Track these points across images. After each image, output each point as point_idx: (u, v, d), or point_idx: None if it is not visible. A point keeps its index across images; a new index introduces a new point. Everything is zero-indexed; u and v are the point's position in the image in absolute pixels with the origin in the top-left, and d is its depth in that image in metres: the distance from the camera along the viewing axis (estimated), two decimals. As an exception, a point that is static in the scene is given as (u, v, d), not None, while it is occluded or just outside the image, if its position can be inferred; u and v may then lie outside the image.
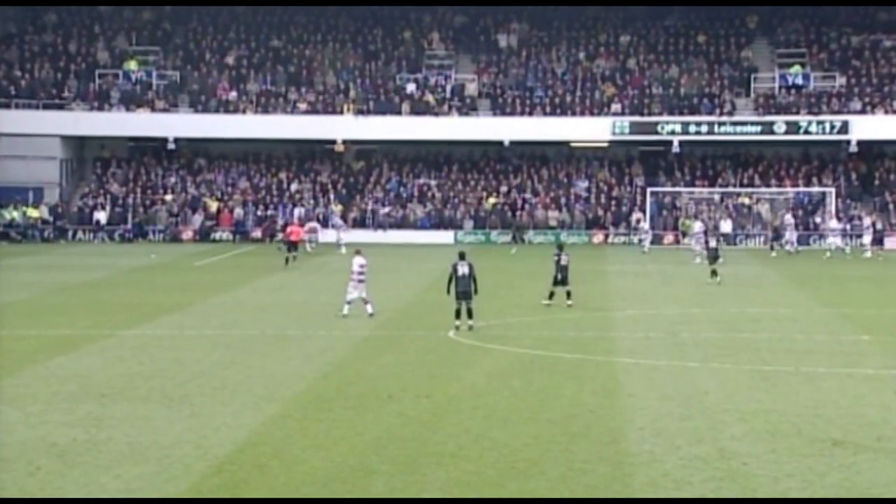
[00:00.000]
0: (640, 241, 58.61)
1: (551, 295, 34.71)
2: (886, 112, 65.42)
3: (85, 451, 17.68)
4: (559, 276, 34.67)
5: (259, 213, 66.37)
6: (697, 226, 55.80)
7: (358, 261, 32.20)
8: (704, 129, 65.21)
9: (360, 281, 31.95)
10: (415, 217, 65.99)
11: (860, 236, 58.40)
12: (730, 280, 44.05)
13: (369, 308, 32.09)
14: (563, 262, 34.66)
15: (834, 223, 59.64)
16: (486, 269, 36.35)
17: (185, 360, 25.89)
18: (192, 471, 16.67)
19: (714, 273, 42.08)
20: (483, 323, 30.37)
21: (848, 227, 59.57)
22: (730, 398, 21.77)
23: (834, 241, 57.50)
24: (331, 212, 64.83)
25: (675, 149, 65.27)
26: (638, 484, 16.08)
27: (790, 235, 58.11)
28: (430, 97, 68.38)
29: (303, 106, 68.27)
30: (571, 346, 27.73)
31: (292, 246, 49.41)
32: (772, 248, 57.13)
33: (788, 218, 59.67)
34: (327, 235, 59.70)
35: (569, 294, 34.65)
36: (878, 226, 59.05)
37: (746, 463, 17.09)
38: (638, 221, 62.40)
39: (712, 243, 44.76)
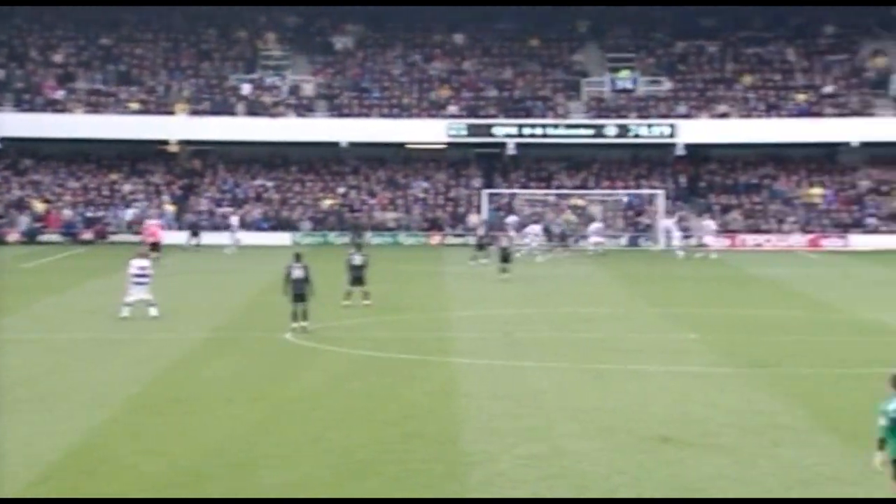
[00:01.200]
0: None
1: (348, 294, 34.90)
2: (711, 116, 67.38)
3: None
4: (353, 276, 34.96)
5: (90, 214, 64.81)
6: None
7: (137, 263, 32.49)
8: (538, 131, 66.14)
9: (140, 283, 32.04)
10: (251, 218, 65.33)
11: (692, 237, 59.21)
12: (563, 280, 44.89)
13: (153, 311, 31.94)
14: (355, 263, 35.05)
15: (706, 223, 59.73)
16: (325, 270, 36.23)
17: (11, 365, 25.10)
18: (17, 479, 16.18)
19: (503, 270, 43.51)
20: (319, 324, 30.26)
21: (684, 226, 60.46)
22: (564, 397, 22.16)
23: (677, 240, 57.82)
24: (165, 212, 63.69)
25: (511, 151, 66.09)
26: (473, 483, 16.24)
27: (598, 238, 58.76)
28: (265, 98, 67.82)
29: (134, 105, 66.94)
30: (408, 347, 27.83)
31: (154, 246, 49.94)
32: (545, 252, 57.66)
33: (596, 225, 59.96)
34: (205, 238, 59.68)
35: (366, 294, 34.92)
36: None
37: (579, 460, 17.43)
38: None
39: (504, 243, 45.50)
